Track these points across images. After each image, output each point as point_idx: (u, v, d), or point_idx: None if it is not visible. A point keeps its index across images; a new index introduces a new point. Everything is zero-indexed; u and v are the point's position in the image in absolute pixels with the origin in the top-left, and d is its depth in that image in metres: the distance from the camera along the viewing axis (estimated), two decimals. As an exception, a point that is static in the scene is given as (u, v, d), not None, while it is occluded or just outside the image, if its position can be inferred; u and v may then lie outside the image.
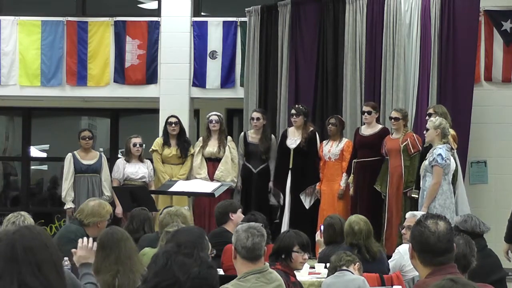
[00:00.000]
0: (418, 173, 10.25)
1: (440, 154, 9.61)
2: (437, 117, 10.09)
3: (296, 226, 10.19)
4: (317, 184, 11.42)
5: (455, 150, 10.15)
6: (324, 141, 11.49)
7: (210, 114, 11.83)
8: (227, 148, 11.63)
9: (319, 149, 11.48)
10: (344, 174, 11.27)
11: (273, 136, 11.86)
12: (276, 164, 11.68)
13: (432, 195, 9.66)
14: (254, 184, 11.66)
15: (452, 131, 10.19)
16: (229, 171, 11.56)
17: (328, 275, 7.01)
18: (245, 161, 11.79)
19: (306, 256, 6.50)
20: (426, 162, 9.80)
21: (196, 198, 11.58)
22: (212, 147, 11.66)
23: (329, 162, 11.37)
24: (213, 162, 11.63)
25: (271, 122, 12.04)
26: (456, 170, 9.98)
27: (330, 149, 11.38)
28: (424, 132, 10.05)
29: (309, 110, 11.72)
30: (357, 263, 6.88)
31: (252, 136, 11.80)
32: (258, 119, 11.68)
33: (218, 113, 11.87)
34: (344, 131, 11.62)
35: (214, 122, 11.72)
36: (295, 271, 6.55)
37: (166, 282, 3.03)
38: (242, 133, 12.02)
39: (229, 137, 11.86)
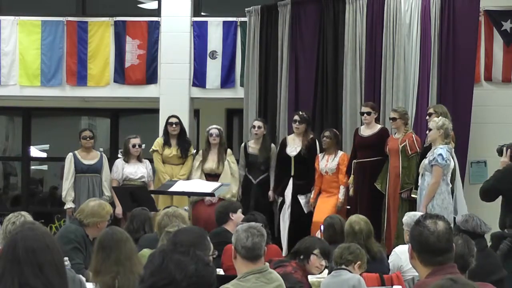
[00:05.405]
0: (418, 173, 10.25)
1: (440, 154, 9.62)
2: (440, 117, 10.07)
3: (295, 231, 10.26)
4: (312, 196, 11.36)
5: (453, 149, 10.15)
6: (319, 155, 11.38)
7: (210, 127, 11.66)
8: (226, 163, 11.49)
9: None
10: (342, 187, 11.22)
11: (273, 145, 11.79)
12: (276, 172, 11.59)
13: (431, 194, 9.67)
14: (253, 194, 11.53)
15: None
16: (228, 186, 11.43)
17: (329, 272, 6.99)
18: (246, 172, 11.71)
19: (324, 262, 6.47)
20: (426, 161, 9.80)
21: (194, 207, 11.50)
22: (211, 162, 11.48)
23: (326, 176, 11.32)
24: (212, 177, 11.36)
25: (271, 122, 12.03)
26: (454, 169, 9.99)
27: (326, 163, 11.30)
28: (427, 132, 10.05)
29: (311, 118, 11.64)
30: (358, 262, 6.87)
31: (252, 146, 11.66)
32: (259, 127, 11.57)
33: (218, 127, 11.69)
34: (343, 132, 11.61)
35: (214, 135, 11.54)
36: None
37: (162, 282, 3.03)
38: (243, 144, 11.89)
39: (228, 151, 11.68)
